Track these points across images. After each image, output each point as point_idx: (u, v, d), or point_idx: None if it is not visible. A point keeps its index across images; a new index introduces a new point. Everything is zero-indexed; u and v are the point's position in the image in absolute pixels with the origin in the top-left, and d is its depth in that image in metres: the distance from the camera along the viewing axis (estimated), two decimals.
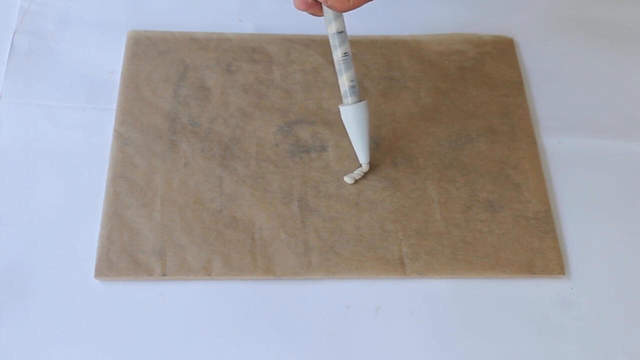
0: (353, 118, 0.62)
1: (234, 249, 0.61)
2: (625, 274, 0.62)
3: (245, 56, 0.72)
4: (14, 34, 0.72)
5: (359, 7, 0.57)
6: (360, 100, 0.62)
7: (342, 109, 0.63)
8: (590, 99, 0.72)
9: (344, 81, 0.62)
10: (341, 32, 0.60)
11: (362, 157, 0.64)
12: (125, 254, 0.60)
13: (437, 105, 0.70)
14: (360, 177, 0.65)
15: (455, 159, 0.67)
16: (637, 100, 0.73)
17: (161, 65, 0.70)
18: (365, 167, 0.65)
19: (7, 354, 0.56)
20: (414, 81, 0.71)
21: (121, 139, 0.66)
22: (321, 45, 0.73)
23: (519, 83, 0.72)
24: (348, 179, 0.64)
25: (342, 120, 0.63)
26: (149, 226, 0.61)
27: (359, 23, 0.75)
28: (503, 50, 0.74)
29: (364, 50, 0.73)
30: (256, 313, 0.59)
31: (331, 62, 0.71)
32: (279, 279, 0.60)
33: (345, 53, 0.61)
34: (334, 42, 0.60)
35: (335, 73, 0.62)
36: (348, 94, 0.62)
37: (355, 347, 0.58)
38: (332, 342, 0.58)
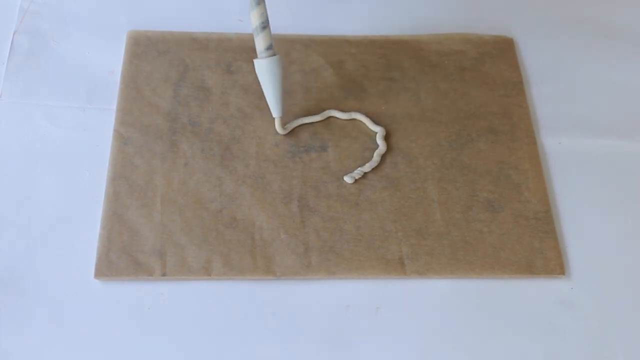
0: (267, 72, 0.63)
1: (234, 249, 0.61)
2: (625, 274, 0.62)
3: (245, 56, 0.72)
4: (14, 34, 0.72)
5: None
6: (274, 55, 0.63)
7: (256, 62, 0.64)
8: (590, 99, 0.72)
9: (255, 17, 0.62)
10: None
11: (275, 110, 0.65)
12: (125, 254, 0.60)
13: (437, 105, 0.70)
14: (360, 176, 0.65)
15: (455, 159, 0.67)
16: (637, 100, 0.73)
17: (161, 65, 0.70)
18: (277, 123, 0.66)
19: (7, 354, 0.56)
20: (414, 81, 0.71)
21: (121, 139, 0.66)
22: (321, 45, 0.73)
23: (519, 83, 0.72)
24: (348, 179, 0.64)
25: (256, 74, 0.65)
26: (149, 226, 0.61)
27: (359, 23, 0.75)
28: (503, 50, 0.74)
29: (364, 50, 0.73)
30: (256, 313, 0.59)
31: (331, 62, 0.72)
32: (279, 279, 0.60)
33: None
34: None
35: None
36: (259, 31, 0.63)
37: (355, 347, 0.58)
38: (332, 342, 0.58)
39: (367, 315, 0.59)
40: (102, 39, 0.72)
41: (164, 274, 0.59)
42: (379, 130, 0.67)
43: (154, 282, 0.59)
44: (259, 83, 0.70)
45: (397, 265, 0.61)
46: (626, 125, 0.71)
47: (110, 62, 0.71)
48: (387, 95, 0.70)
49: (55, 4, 0.75)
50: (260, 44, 0.63)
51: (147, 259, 0.60)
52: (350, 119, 0.68)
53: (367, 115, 0.68)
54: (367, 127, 0.68)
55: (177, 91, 0.69)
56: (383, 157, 0.66)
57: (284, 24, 0.74)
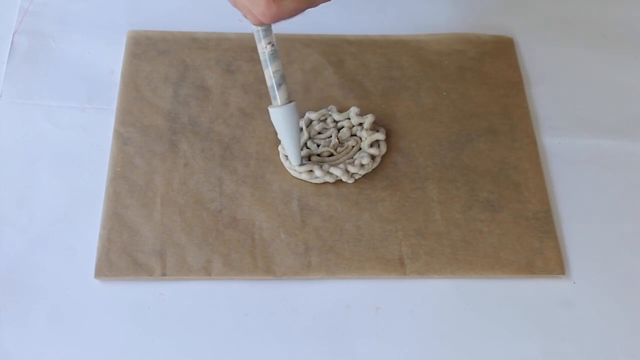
0: (284, 120, 0.60)
1: (234, 249, 0.61)
2: (625, 274, 0.62)
3: (245, 56, 0.72)
4: (14, 34, 0.72)
5: (281, 20, 0.54)
6: (291, 101, 0.60)
7: (272, 110, 0.61)
8: (590, 99, 0.72)
9: (270, 74, 0.60)
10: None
11: (295, 159, 0.63)
12: (125, 254, 0.60)
13: (437, 105, 0.70)
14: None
15: (455, 159, 0.67)
16: (637, 100, 0.73)
17: (161, 65, 0.70)
18: (298, 169, 0.63)
19: (7, 354, 0.56)
20: (414, 81, 0.71)
21: (121, 139, 0.66)
22: (321, 45, 0.73)
23: (519, 83, 0.72)
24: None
25: (271, 122, 0.62)
26: (149, 226, 0.61)
27: (358, 23, 0.75)
28: (503, 50, 0.74)
29: (364, 50, 0.73)
30: (256, 313, 0.59)
31: (331, 62, 0.72)
32: (279, 279, 0.60)
33: (270, 43, 0.59)
34: (258, 34, 0.59)
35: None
36: (275, 89, 0.60)
37: (355, 347, 0.58)
38: (332, 342, 0.58)
39: (367, 315, 0.59)
40: (102, 39, 0.72)
41: (164, 274, 0.59)
42: (379, 129, 0.67)
43: (154, 282, 0.59)
44: (259, 82, 0.70)
45: (397, 265, 0.61)
46: (626, 125, 0.71)
47: (110, 62, 0.71)
48: (387, 94, 0.70)
49: (55, 4, 0.75)
50: (277, 99, 0.60)
51: (147, 259, 0.60)
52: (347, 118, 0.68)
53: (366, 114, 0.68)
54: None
55: (177, 91, 0.69)
56: (383, 157, 0.66)
57: (284, 23, 0.74)
